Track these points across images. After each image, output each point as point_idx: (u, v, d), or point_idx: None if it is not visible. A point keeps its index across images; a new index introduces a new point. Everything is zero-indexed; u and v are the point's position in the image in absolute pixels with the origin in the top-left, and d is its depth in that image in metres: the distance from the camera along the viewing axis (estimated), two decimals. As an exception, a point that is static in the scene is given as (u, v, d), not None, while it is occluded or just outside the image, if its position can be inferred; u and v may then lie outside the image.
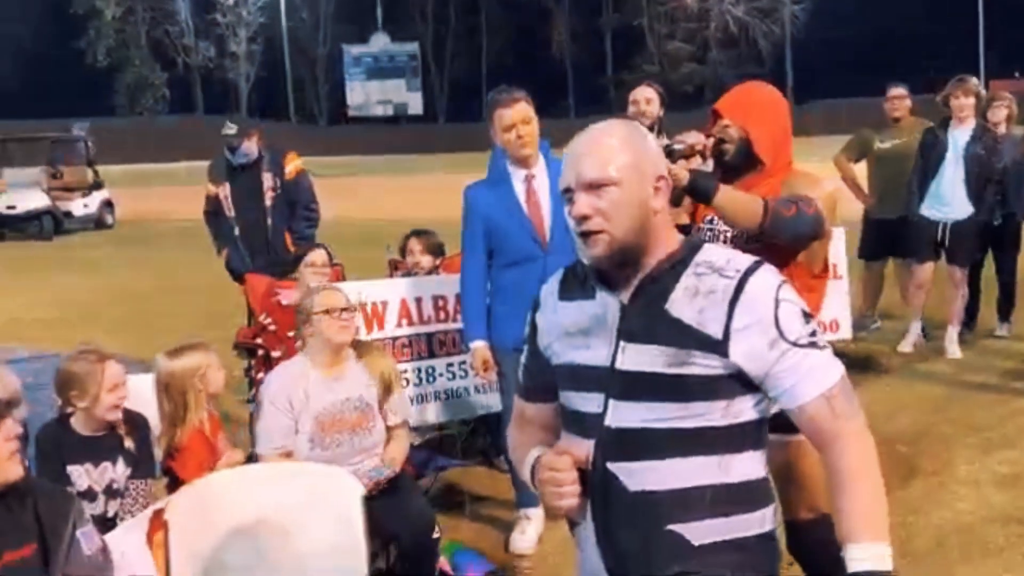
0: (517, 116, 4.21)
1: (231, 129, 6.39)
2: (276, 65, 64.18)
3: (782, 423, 2.37)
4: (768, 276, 1.96)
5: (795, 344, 1.91)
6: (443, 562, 4.01)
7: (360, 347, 4.07)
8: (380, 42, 66.14)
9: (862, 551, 1.84)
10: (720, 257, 2.00)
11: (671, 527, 1.92)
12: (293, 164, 6.60)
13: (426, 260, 5.66)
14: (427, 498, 4.41)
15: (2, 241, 20.73)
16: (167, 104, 62.27)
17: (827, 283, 3.45)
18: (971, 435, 5.64)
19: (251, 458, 3.89)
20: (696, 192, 3.05)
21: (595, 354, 2.00)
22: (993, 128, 7.33)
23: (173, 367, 3.72)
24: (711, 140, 3.36)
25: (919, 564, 4.12)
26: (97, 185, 23.26)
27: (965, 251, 7.35)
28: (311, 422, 3.77)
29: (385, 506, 3.65)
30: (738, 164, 3.28)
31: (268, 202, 6.46)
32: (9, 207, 21.14)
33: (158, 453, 3.68)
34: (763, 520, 1.99)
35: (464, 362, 4.98)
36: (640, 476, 1.93)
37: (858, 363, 7.17)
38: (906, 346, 7.59)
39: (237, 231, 6.53)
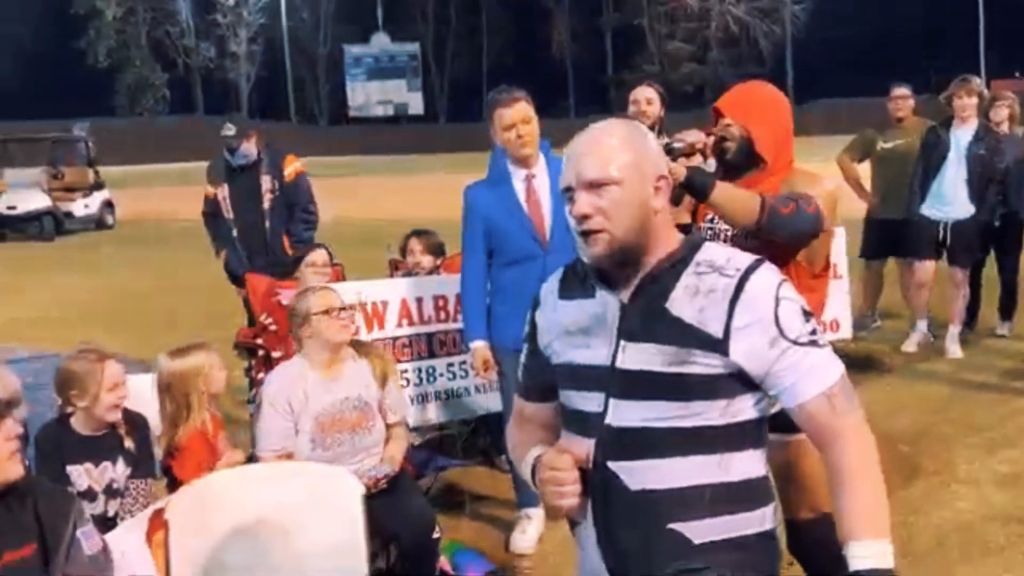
0: (517, 116, 4.21)
1: (230, 130, 6.37)
2: (277, 65, 64.23)
3: (782, 422, 2.36)
4: (768, 275, 1.96)
5: (795, 342, 1.91)
6: (443, 562, 4.02)
7: (357, 347, 4.07)
8: (381, 42, 66.19)
9: (863, 549, 1.84)
10: (720, 256, 1.99)
11: (672, 526, 1.92)
12: (292, 166, 6.57)
13: (427, 260, 5.66)
14: (427, 498, 4.42)
15: (3, 241, 20.74)
16: (168, 104, 62.31)
17: (828, 282, 3.44)
18: (972, 435, 5.64)
19: (251, 459, 3.89)
20: (692, 188, 3.03)
21: (595, 353, 2.00)
22: (995, 128, 7.33)
23: (176, 367, 3.72)
24: (711, 138, 3.36)
25: (920, 563, 4.12)
26: (98, 186, 23.27)
27: (966, 251, 7.35)
28: (311, 423, 3.78)
29: (385, 506, 3.65)
30: (740, 163, 3.28)
31: (266, 204, 6.43)
32: (10, 207, 21.15)
33: (158, 453, 3.69)
34: (763, 519, 1.99)
35: (464, 362, 4.97)
36: (641, 475, 1.93)
37: (858, 363, 7.17)
38: (910, 346, 7.59)
39: (235, 232, 6.51)
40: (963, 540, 4.32)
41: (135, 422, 3.58)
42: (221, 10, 62.15)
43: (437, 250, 5.74)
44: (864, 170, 8.24)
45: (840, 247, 6.28)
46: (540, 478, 2.02)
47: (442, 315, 5.15)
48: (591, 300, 2.04)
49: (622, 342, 1.97)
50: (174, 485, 3.58)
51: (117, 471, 3.47)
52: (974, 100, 7.13)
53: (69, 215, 22.15)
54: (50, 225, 21.22)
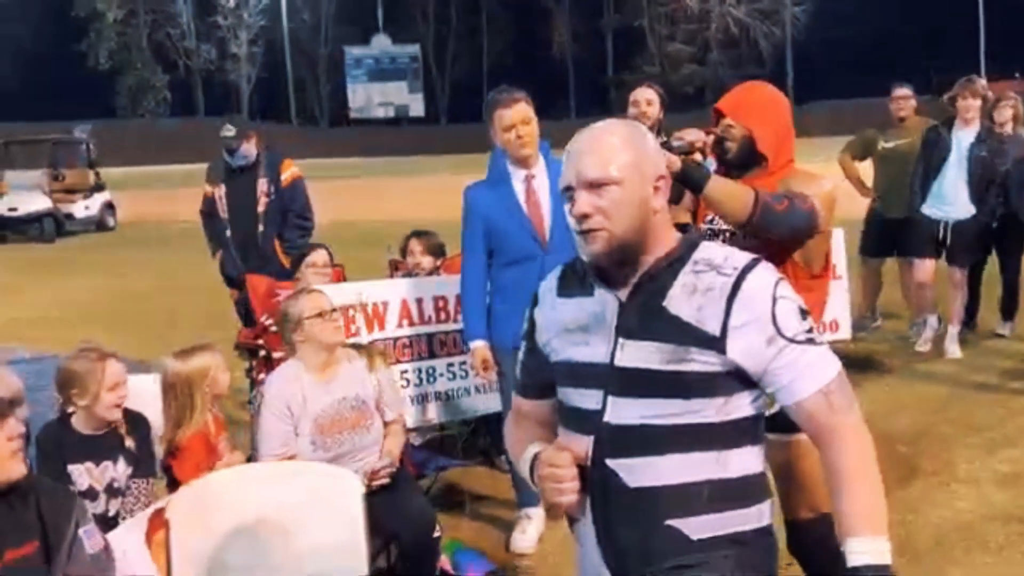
0: (517, 116, 4.22)
1: (230, 131, 6.35)
2: (277, 67, 64.28)
3: (782, 422, 2.38)
4: (765, 273, 1.97)
5: (792, 340, 1.93)
6: (444, 561, 4.03)
7: (354, 348, 4.10)
8: (381, 44, 66.22)
9: (861, 545, 1.85)
10: (718, 255, 2.01)
11: (670, 522, 1.94)
12: (289, 171, 6.51)
13: (427, 261, 5.67)
14: (428, 497, 4.42)
15: (3, 243, 20.75)
16: (168, 106, 62.35)
17: (827, 283, 3.44)
18: (971, 435, 5.65)
19: (251, 461, 3.90)
20: (687, 181, 3.02)
21: (594, 351, 2.01)
22: (999, 128, 7.33)
23: (181, 368, 3.73)
24: (711, 138, 3.37)
25: (919, 562, 4.12)
26: (98, 187, 23.27)
27: (965, 251, 7.36)
28: (310, 425, 3.79)
29: (386, 505, 3.65)
30: (741, 162, 3.29)
31: (261, 207, 6.38)
32: (11, 209, 21.15)
33: (159, 452, 3.70)
34: (760, 515, 2.00)
35: (465, 362, 4.98)
36: (639, 472, 1.95)
37: (858, 363, 7.18)
38: (924, 344, 7.55)
39: (229, 233, 6.49)
40: (962, 539, 4.33)
41: (136, 422, 3.59)
42: (222, 12, 62.20)
43: (437, 251, 5.74)
44: (865, 169, 8.25)
45: (839, 247, 6.29)
46: (539, 475, 2.03)
47: (442, 316, 5.16)
48: (590, 298, 2.05)
49: (620, 340, 1.98)
50: (174, 485, 3.59)
51: (118, 470, 3.48)
52: (978, 102, 7.14)
53: (70, 217, 22.16)
54: (51, 227, 21.22)
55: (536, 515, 4.55)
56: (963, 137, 7.18)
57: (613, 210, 1.96)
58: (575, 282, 2.10)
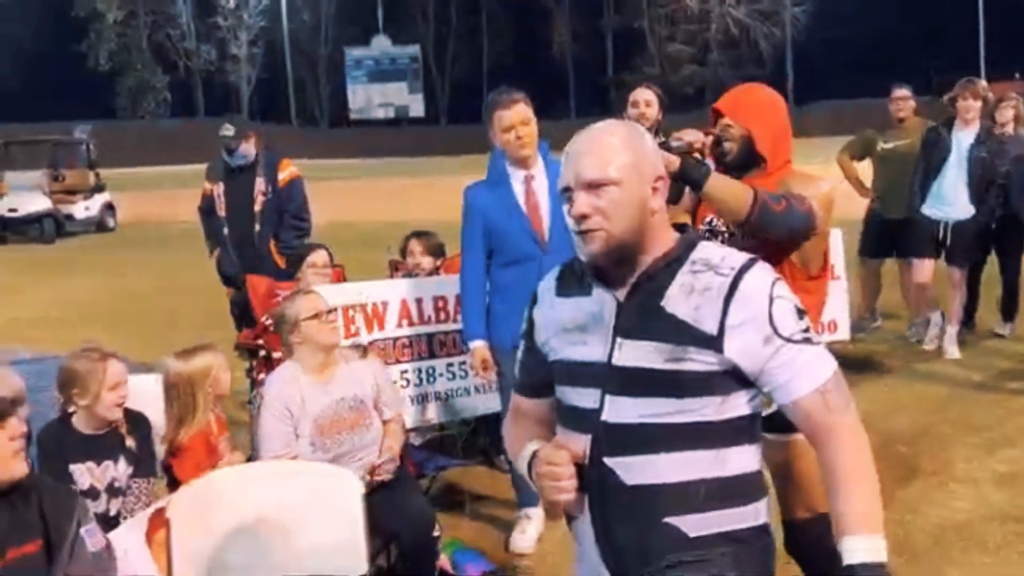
0: (516, 117, 4.23)
1: (228, 130, 6.34)
2: (277, 68, 64.27)
3: (779, 423, 2.39)
4: (762, 273, 1.99)
5: (789, 340, 1.94)
6: (443, 560, 4.04)
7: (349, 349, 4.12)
8: (381, 45, 66.22)
9: (857, 544, 1.86)
10: (715, 255, 2.02)
11: (667, 520, 1.95)
12: (287, 171, 6.50)
13: (427, 261, 5.68)
14: (427, 497, 4.43)
15: (4, 244, 20.75)
16: (168, 107, 62.33)
17: (826, 284, 3.45)
18: (970, 435, 5.67)
19: (251, 461, 3.91)
20: (687, 178, 3.02)
21: (592, 350, 2.02)
22: (1000, 128, 7.35)
23: (184, 368, 3.75)
24: (710, 138, 3.39)
25: (917, 562, 4.14)
26: (98, 188, 23.25)
27: (965, 252, 7.37)
28: (310, 426, 3.80)
29: (385, 505, 3.67)
30: (740, 163, 3.30)
31: (258, 207, 6.37)
32: (11, 210, 21.14)
33: (160, 452, 3.71)
34: (757, 513, 2.02)
35: (464, 362, 4.99)
36: (637, 470, 1.96)
37: (857, 363, 7.20)
38: (930, 342, 7.54)
39: (227, 231, 6.48)
40: (960, 539, 4.34)
41: (136, 421, 3.61)
42: (222, 13, 62.19)
43: (437, 251, 5.76)
44: (863, 170, 8.27)
45: (838, 248, 6.31)
46: (537, 473, 2.05)
47: (442, 316, 5.17)
48: (588, 298, 2.07)
49: (618, 339, 1.99)
50: (174, 485, 3.60)
51: (119, 470, 3.49)
52: (978, 103, 7.14)
53: (70, 217, 22.14)
54: (51, 227, 21.21)
55: (535, 515, 4.56)
56: (963, 138, 7.19)
57: (611, 211, 1.97)
58: (573, 282, 2.12)
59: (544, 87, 42.25)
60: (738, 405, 1.98)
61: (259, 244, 6.36)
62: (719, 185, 3.02)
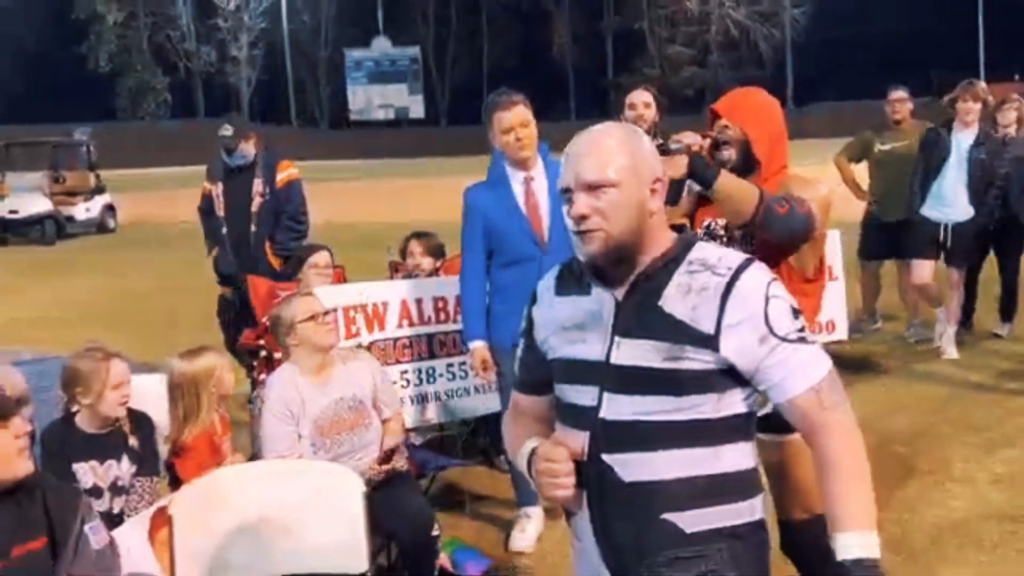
0: (515, 119, 4.26)
1: (227, 131, 6.31)
2: (277, 69, 64.29)
3: (776, 423, 2.42)
4: (759, 273, 2.01)
5: (784, 339, 1.97)
6: (443, 559, 4.06)
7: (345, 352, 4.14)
8: (381, 46, 66.24)
9: (850, 539, 1.89)
10: (712, 255, 2.05)
11: (664, 516, 1.98)
12: (287, 172, 6.46)
13: (426, 262, 5.70)
14: (427, 497, 4.46)
15: (4, 245, 20.76)
16: (169, 108, 62.33)
17: (822, 287, 3.48)
18: (969, 435, 5.69)
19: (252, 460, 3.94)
20: (696, 175, 3.02)
21: (590, 348, 2.05)
22: (1002, 130, 7.37)
23: (188, 369, 3.77)
24: (708, 141, 3.41)
25: (915, 561, 4.16)
26: (99, 189, 23.25)
27: (964, 253, 7.40)
28: (310, 426, 3.83)
29: (385, 504, 3.68)
30: (737, 166, 3.33)
31: (254, 207, 6.34)
32: (12, 211, 21.13)
33: (164, 451, 3.74)
34: (753, 509, 2.04)
35: (464, 363, 5.01)
36: (634, 467, 1.99)
37: (856, 364, 7.23)
38: (948, 343, 7.42)
39: (225, 231, 6.46)
40: (956, 537, 4.37)
41: (139, 421, 3.64)
42: (222, 14, 62.21)
43: (437, 252, 5.78)
44: (860, 172, 8.29)
45: (836, 249, 6.33)
46: (536, 469, 2.07)
47: (442, 316, 5.20)
48: (587, 297, 2.09)
49: (616, 338, 2.02)
50: (176, 484, 3.63)
51: (122, 469, 3.53)
52: (978, 105, 7.15)
53: (71, 219, 22.14)
54: (52, 229, 21.21)
55: (535, 514, 4.59)
56: (962, 140, 7.20)
57: (610, 212, 2.00)
58: (572, 281, 2.14)
59: (544, 89, 42.27)
60: (734, 403, 2.01)
61: (255, 245, 6.34)
62: (728, 184, 3.03)
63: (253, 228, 6.34)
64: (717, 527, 1.99)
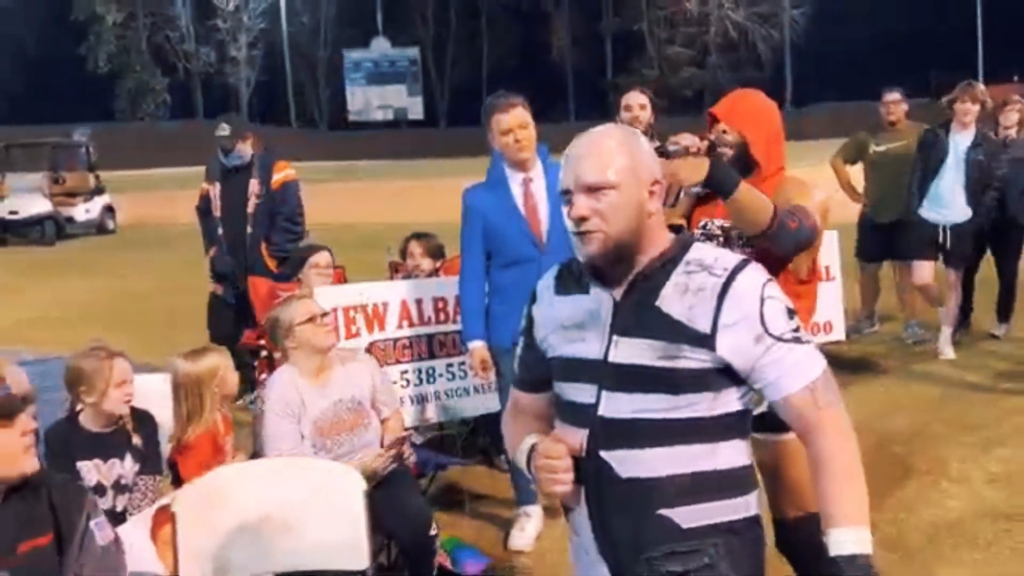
0: (514, 121, 4.29)
1: (224, 131, 6.30)
2: (277, 70, 64.24)
3: (771, 423, 2.45)
4: (754, 274, 2.05)
5: (779, 339, 2.00)
6: (443, 557, 4.09)
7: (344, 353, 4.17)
8: (380, 47, 66.20)
9: (843, 535, 1.93)
10: (709, 255, 2.09)
11: (661, 512, 2.01)
12: (283, 173, 6.48)
13: (426, 263, 5.74)
14: (427, 497, 4.49)
15: (4, 246, 20.77)
16: (168, 109, 62.25)
17: (816, 288, 3.52)
18: (965, 434, 5.72)
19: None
20: (714, 183, 3.01)
21: (589, 347, 2.09)
22: (1003, 131, 7.40)
23: (192, 369, 3.79)
24: (705, 143, 3.44)
25: (911, 559, 4.20)
26: (99, 190, 23.27)
27: (962, 254, 7.43)
28: (310, 427, 3.85)
29: (384, 504, 3.70)
30: (735, 167, 3.36)
31: (250, 208, 6.37)
32: (11, 212, 21.15)
33: (166, 450, 3.77)
34: (747, 505, 2.08)
35: (464, 363, 5.05)
36: (631, 463, 2.02)
37: (853, 364, 7.26)
38: (943, 343, 7.49)
39: (221, 231, 6.48)
40: (952, 536, 4.41)
41: (143, 419, 3.67)
42: (221, 15, 62.14)
43: (437, 253, 5.81)
44: (855, 174, 8.33)
45: (833, 250, 6.37)
46: (535, 465, 2.11)
47: (442, 316, 5.23)
48: (586, 296, 2.13)
49: (615, 337, 2.05)
50: (178, 482, 3.66)
51: (125, 467, 3.56)
52: (976, 107, 7.19)
53: (70, 220, 22.16)
54: (51, 230, 21.22)
55: (534, 513, 4.61)
56: (960, 141, 7.23)
57: (609, 213, 2.03)
58: (572, 281, 2.18)
59: (543, 90, 42.28)
60: (729, 401, 2.04)
61: (251, 245, 6.36)
62: (748, 195, 3.03)
63: (249, 229, 6.35)
64: (713, 522, 2.02)
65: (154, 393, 3.84)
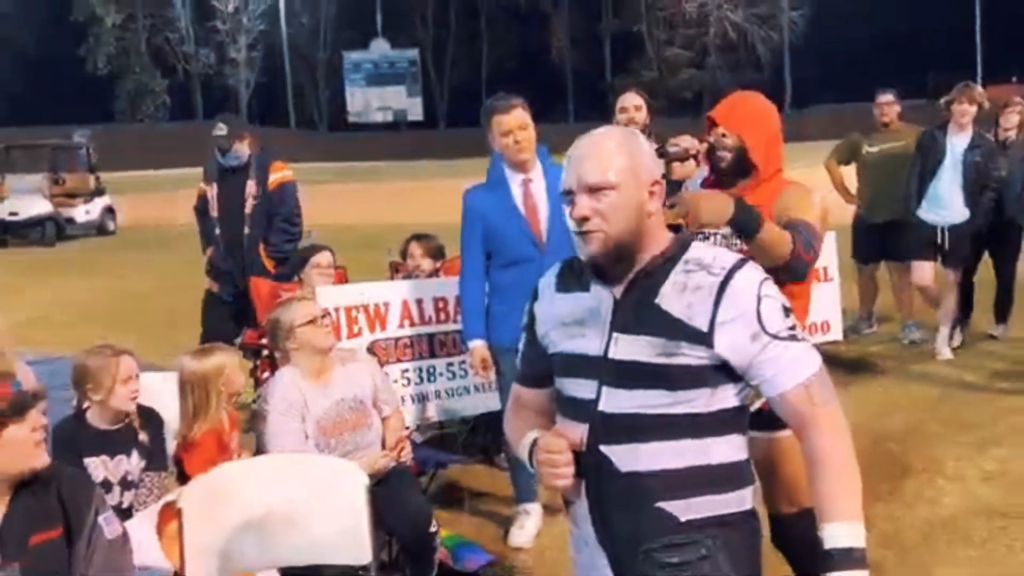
0: (514, 122, 4.33)
1: (221, 130, 6.23)
2: (276, 71, 64.20)
3: (766, 420, 2.51)
4: (752, 273, 2.09)
5: (776, 337, 2.04)
6: (444, 553, 4.13)
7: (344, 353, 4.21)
8: (380, 48, 66.19)
9: (837, 529, 1.97)
10: (707, 255, 2.13)
11: (659, 504, 2.06)
12: (280, 174, 6.42)
13: (426, 263, 5.78)
14: (427, 495, 4.53)
15: (5, 247, 20.80)
16: (167, 111, 62.19)
17: (811, 288, 3.57)
18: (961, 434, 5.77)
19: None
20: (738, 225, 3.01)
21: (589, 344, 2.13)
22: (1003, 132, 7.44)
23: (198, 367, 3.83)
24: (704, 145, 3.49)
25: (906, 556, 4.24)
26: (99, 191, 23.30)
27: (960, 254, 7.47)
28: (313, 427, 3.89)
29: (384, 501, 3.73)
30: (733, 171, 3.41)
31: (248, 209, 6.32)
32: (12, 213, 21.19)
33: (172, 447, 3.81)
34: (743, 499, 2.13)
35: (464, 362, 5.08)
36: (630, 458, 2.07)
37: (851, 364, 7.30)
38: (944, 348, 7.52)
39: (218, 231, 6.44)
40: (948, 534, 4.45)
41: (149, 416, 3.72)
42: (221, 17, 62.11)
43: (437, 253, 5.85)
44: (848, 174, 8.37)
45: (831, 251, 6.41)
46: (537, 459, 2.15)
47: (442, 316, 5.26)
48: (586, 294, 2.17)
49: (615, 334, 2.10)
50: (184, 479, 3.70)
51: (131, 463, 3.60)
52: (974, 108, 7.22)
53: (71, 221, 22.21)
54: (52, 231, 21.26)
55: (534, 511, 4.66)
56: (957, 142, 7.26)
57: (610, 213, 2.08)
58: (573, 279, 2.22)
59: (543, 91, 42.29)
60: (727, 398, 2.09)
61: (248, 247, 6.31)
62: (771, 234, 3.04)
63: (247, 230, 6.31)
64: (710, 515, 2.07)
65: (155, 392, 3.88)
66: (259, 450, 3.93)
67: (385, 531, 3.90)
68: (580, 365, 2.14)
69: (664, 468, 2.05)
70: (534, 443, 2.18)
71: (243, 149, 6.34)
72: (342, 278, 5.79)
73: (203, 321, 6.45)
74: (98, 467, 3.53)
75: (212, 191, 6.45)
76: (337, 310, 4.94)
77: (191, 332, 6.30)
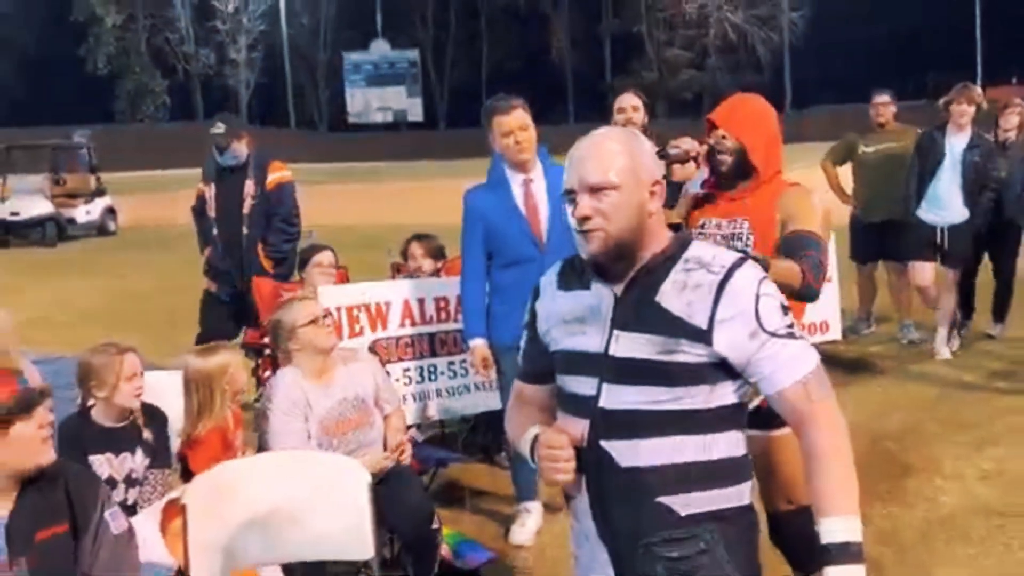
0: (514, 123, 4.35)
1: (219, 129, 6.24)
2: (276, 72, 64.19)
3: (764, 419, 2.54)
4: (750, 272, 2.12)
5: (774, 335, 2.07)
6: (445, 550, 4.15)
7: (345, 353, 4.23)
8: (380, 49, 66.19)
9: (834, 524, 2.00)
10: (707, 253, 2.16)
11: (659, 499, 2.09)
12: (278, 174, 6.41)
13: (427, 263, 5.80)
14: (428, 493, 4.55)
15: (6, 247, 20.79)
16: (167, 111, 62.16)
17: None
18: (959, 433, 5.80)
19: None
20: None
21: (590, 341, 2.16)
22: (1003, 133, 7.47)
23: (202, 366, 3.85)
24: (704, 147, 3.52)
25: (905, 555, 4.26)
26: (99, 192, 23.28)
27: (959, 254, 7.49)
28: (316, 427, 3.91)
29: (386, 499, 3.75)
30: (733, 173, 3.44)
31: (246, 209, 6.31)
32: (13, 214, 21.18)
33: (176, 444, 3.84)
34: (741, 494, 2.16)
35: (465, 361, 5.10)
36: (630, 453, 2.10)
37: (850, 364, 7.33)
38: (943, 345, 7.55)
39: (216, 231, 6.43)
40: (946, 532, 4.48)
41: (153, 414, 3.75)
42: (221, 17, 62.10)
43: (437, 253, 5.87)
44: (843, 174, 8.40)
45: (831, 252, 6.41)
46: (538, 455, 2.19)
47: (443, 315, 5.29)
48: (587, 292, 2.20)
49: (615, 331, 2.13)
50: (188, 476, 3.72)
51: (136, 461, 3.63)
52: (972, 108, 7.25)
53: (71, 221, 22.19)
54: (52, 231, 21.26)
55: (534, 509, 4.68)
56: (956, 143, 7.29)
57: (611, 212, 2.11)
58: (574, 277, 2.25)
59: (543, 92, 42.38)
60: (725, 394, 2.12)
61: (247, 247, 6.31)
62: (778, 272, 3.04)
63: (245, 230, 6.30)
64: (708, 510, 2.10)
65: (158, 390, 3.90)
66: (262, 449, 3.94)
67: (387, 529, 3.93)
68: (581, 362, 2.17)
69: (664, 463, 2.08)
70: (535, 438, 2.21)
71: (241, 148, 6.32)
72: (344, 279, 5.81)
73: (201, 321, 6.46)
74: (103, 464, 3.56)
75: (210, 191, 6.42)
76: (339, 309, 4.97)
77: (191, 332, 6.31)
